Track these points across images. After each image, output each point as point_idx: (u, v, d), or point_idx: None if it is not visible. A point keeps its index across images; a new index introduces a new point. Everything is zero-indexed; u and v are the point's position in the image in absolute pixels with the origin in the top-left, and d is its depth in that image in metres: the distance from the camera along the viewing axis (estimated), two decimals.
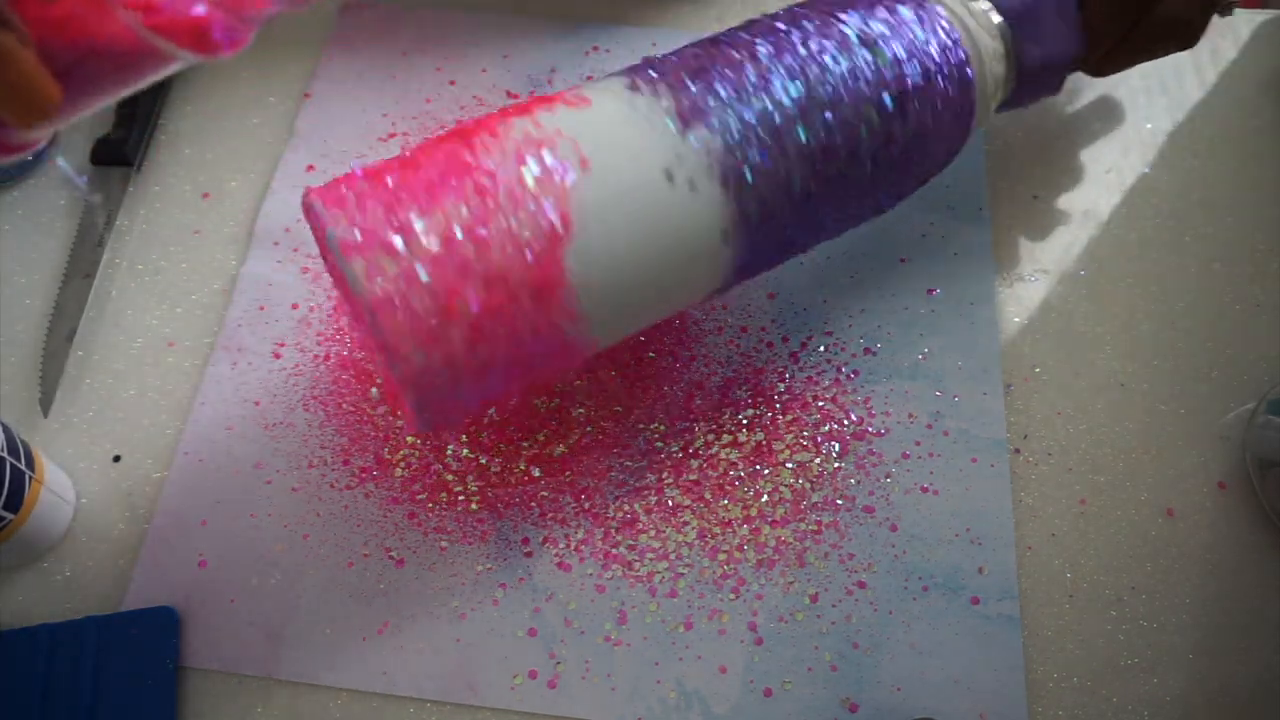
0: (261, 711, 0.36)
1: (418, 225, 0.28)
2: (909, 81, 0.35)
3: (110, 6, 0.23)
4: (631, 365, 0.42)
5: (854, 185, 0.35)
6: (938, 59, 0.36)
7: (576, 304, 0.30)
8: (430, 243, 0.28)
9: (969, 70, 0.37)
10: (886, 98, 0.34)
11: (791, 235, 0.35)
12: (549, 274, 0.30)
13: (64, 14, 0.23)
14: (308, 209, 0.30)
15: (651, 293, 0.33)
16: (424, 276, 0.28)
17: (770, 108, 0.33)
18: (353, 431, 0.41)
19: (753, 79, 0.33)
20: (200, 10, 0.24)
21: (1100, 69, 0.43)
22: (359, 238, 0.28)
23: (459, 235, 0.29)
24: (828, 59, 0.34)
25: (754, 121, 0.33)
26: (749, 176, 0.33)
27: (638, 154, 0.31)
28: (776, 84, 0.33)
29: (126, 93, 0.25)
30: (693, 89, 0.33)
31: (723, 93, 0.33)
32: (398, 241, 0.28)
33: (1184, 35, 0.41)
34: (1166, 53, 0.42)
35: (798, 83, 0.33)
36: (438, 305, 0.28)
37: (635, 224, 0.31)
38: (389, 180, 0.29)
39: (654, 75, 0.33)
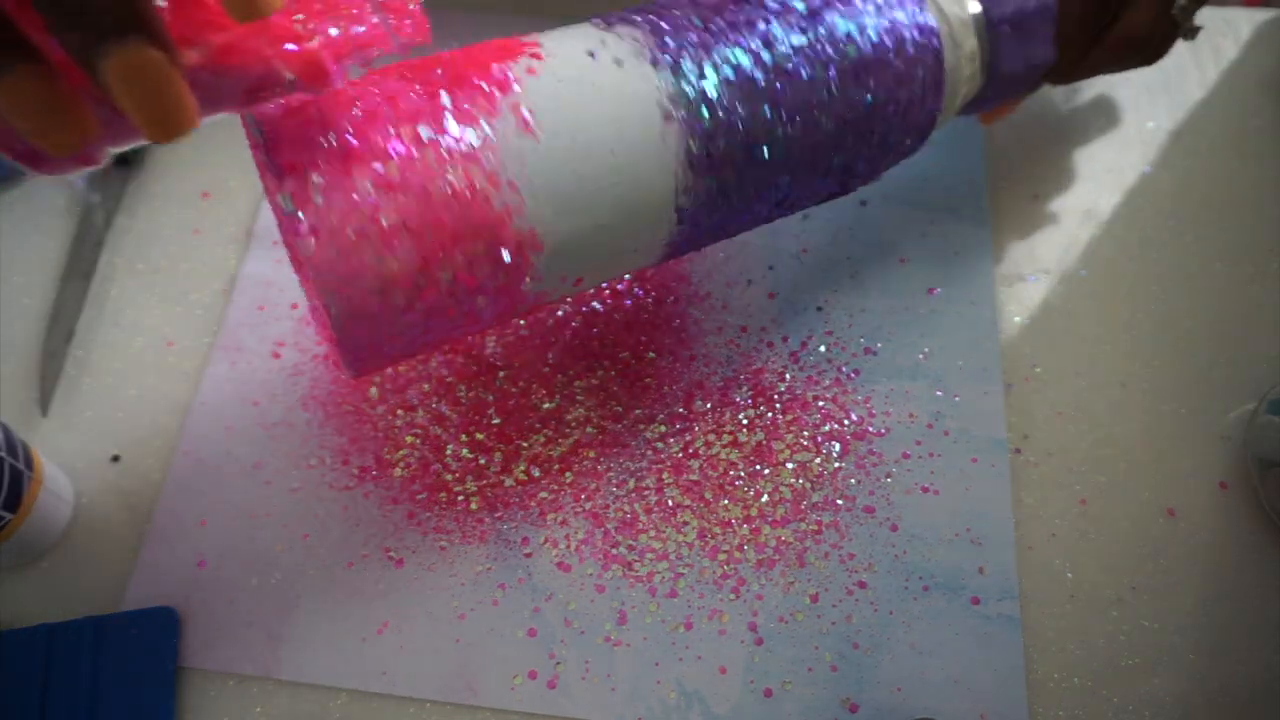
0: (261, 711, 0.36)
1: (339, 116, 0.28)
2: (866, 25, 0.35)
3: (266, 35, 0.23)
4: (631, 365, 0.42)
5: (808, 88, 0.34)
6: (905, 17, 0.35)
7: (501, 169, 0.29)
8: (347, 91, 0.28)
9: (936, 39, 0.36)
10: (837, 20, 0.34)
11: (748, 130, 0.33)
12: (472, 149, 0.29)
13: (227, 42, 0.23)
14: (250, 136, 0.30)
15: (592, 166, 0.31)
16: (335, 136, 0.28)
17: (704, 18, 0.33)
18: (352, 431, 0.41)
19: (695, 19, 0.33)
20: (333, 36, 0.24)
21: (1065, 77, 0.43)
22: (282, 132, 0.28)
23: (378, 100, 0.29)
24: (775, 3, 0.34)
25: (686, 18, 0.33)
26: (677, 48, 0.32)
27: (565, 43, 0.32)
28: (720, 21, 0.33)
29: (220, 115, 0.25)
30: (633, 16, 0.33)
31: (662, 16, 0.33)
32: (312, 108, 0.28)
33: (1145, 53, 0.42)
34: (1128, 67, 0.43)
35: (742, 21, 0.33)
36: (342, 146, 0.28)
37: (562, 100, 0.30)
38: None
39: (597, 20, 0.34)
